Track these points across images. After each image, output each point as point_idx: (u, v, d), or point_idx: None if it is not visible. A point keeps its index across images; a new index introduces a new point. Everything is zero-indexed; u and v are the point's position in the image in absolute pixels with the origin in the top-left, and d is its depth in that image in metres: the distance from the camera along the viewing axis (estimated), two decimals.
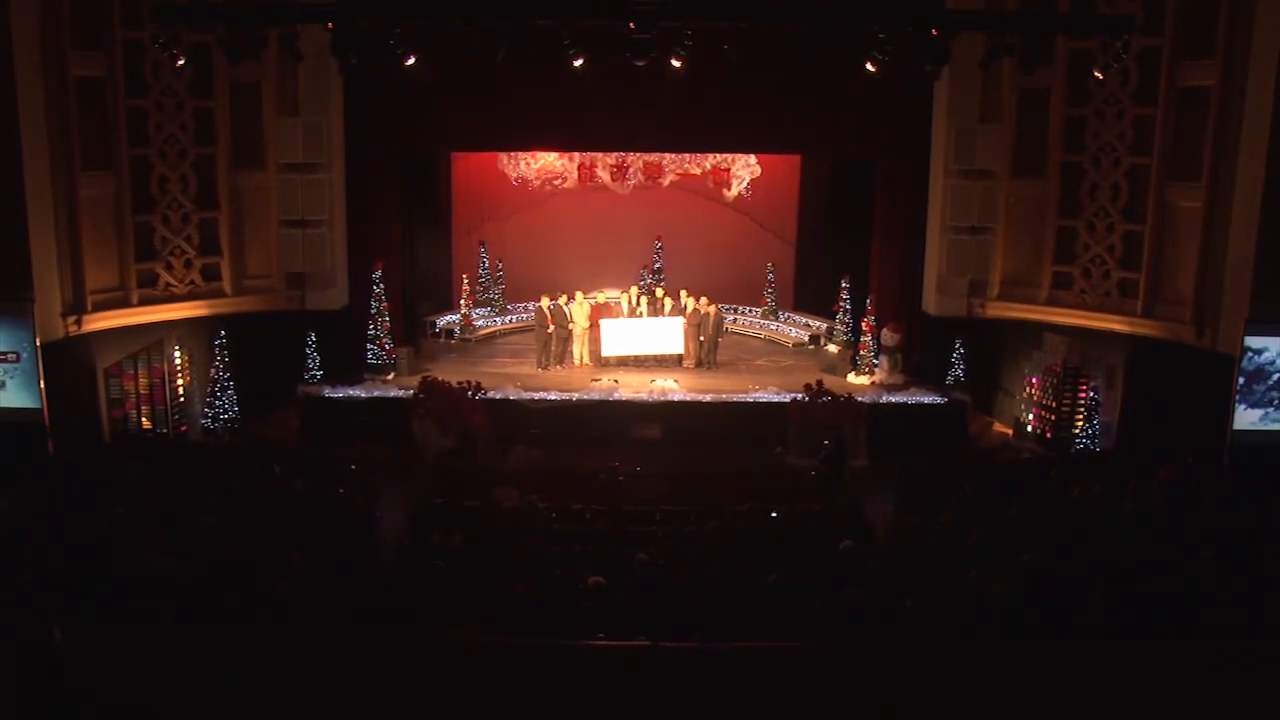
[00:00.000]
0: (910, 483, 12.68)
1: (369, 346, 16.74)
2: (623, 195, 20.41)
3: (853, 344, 18.09)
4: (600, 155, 19.72)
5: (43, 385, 13.19)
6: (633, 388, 16.37)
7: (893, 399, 16.06)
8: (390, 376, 16.69)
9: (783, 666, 4.89)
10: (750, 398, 16.01)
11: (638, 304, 18.42)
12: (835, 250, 19.85)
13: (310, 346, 16.34)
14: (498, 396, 15.61)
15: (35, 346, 13.16)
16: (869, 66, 13.54)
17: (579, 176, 20.18)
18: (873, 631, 8.05)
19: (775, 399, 15.78)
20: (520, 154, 19.70)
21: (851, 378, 17.19)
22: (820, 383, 15.47)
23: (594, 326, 17.84)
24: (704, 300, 17.81)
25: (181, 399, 15.32)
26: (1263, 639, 7.44)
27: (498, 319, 20.66)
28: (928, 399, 16.16)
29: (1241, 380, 13.35)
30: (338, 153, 16.36)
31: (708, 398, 16.03)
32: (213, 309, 15.95)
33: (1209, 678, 4.82)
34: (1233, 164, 13.83)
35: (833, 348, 19.11)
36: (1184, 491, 11.27)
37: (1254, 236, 13.48)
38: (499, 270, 21.05)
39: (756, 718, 4.47)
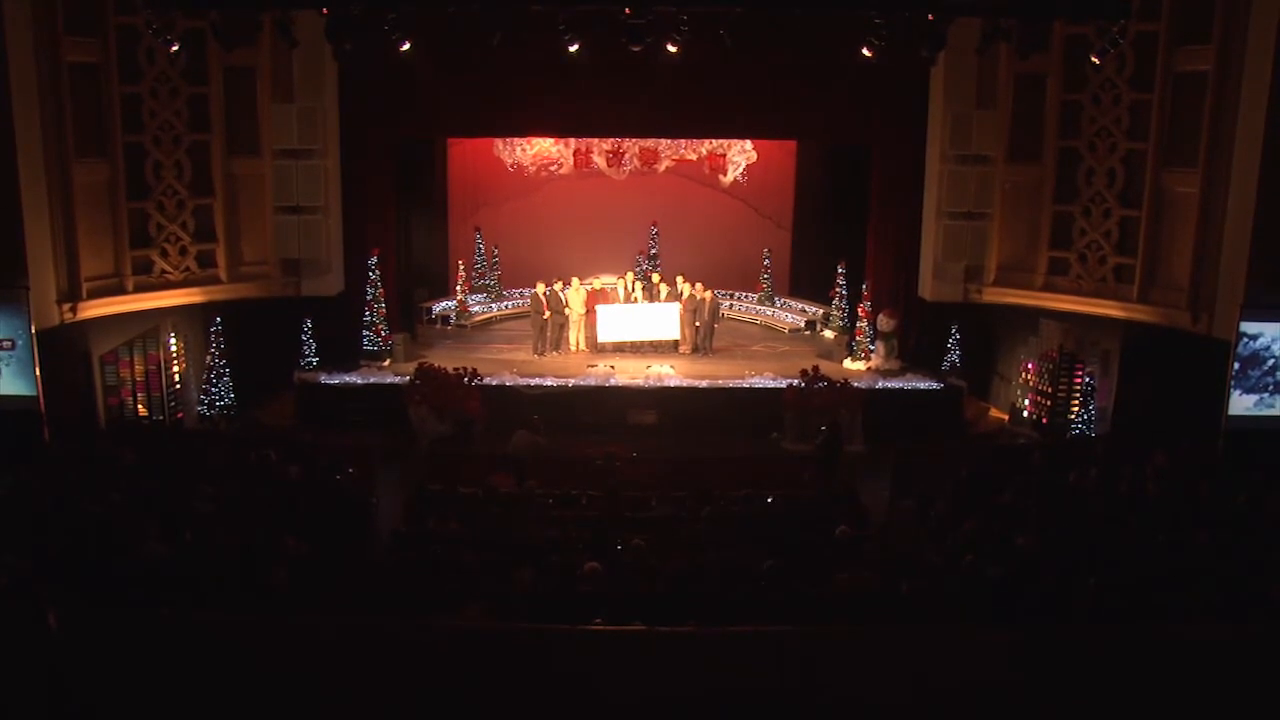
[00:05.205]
0: (906, 468, 12.70)
1: (365, 333, 16.71)
2: (618, 181, 20.37)
3: (849, 330, 18.10)
4: (596, 141, 19.67)
5: (38, 372, 13.16)
6: (629, 373, 16.37)
7: (888, 384, 16.08)
8: (386, 363, 16.67)
9: (779, 651, 4.91)
10: (746, 383, 16.02)
11: (634, 290, 18.43)
12: (831, 236, 19.83)
13: (306, 333, 16.31)
14: (494, 383, 15.62)
15: (30, 333, 13.12)
16: (865, 52, 13.53)
17: (575, 162, 20.15)
18: (868, 616, 8.08)
19: (771, 385, 15.80)
20: (516, 140, 19.65)
21: (847, 363, 17.20)
22: (816, 368, 15.49)
23: (590, 312, 17.83)
24: (700, 286, 17.79)
25: (177, 386, 15.30)
26: (1257, 623, 7.48)
27: (494, 305, 20.65)
28: (924, 384, 16.20)
29: (1236, 366, 13.35)
30: (333, 139, 16.31)
31: (704, 383, 16.05)
32: (208, 296, 15.93)
33: (1203, 661, 4.84)
34: (1229, 149, 13.82)
35: (829, 333, 19.11)
36: (1178, 477, 11.29)
37: (1250, 222, 13.49)
38: (495, 256, 21.02)
39: (752, 702, 4.49)
